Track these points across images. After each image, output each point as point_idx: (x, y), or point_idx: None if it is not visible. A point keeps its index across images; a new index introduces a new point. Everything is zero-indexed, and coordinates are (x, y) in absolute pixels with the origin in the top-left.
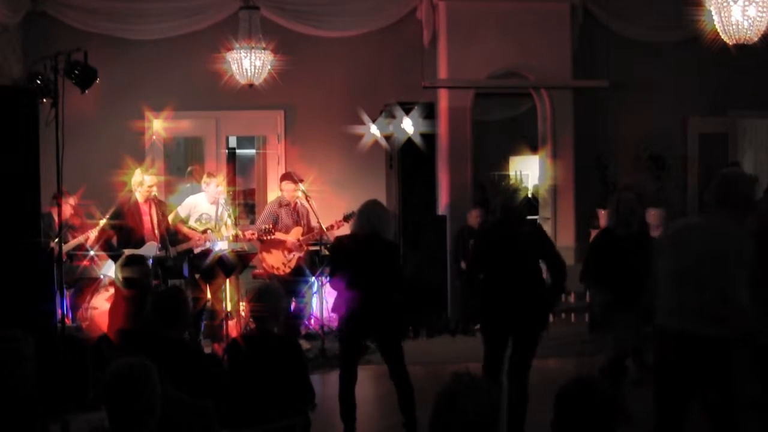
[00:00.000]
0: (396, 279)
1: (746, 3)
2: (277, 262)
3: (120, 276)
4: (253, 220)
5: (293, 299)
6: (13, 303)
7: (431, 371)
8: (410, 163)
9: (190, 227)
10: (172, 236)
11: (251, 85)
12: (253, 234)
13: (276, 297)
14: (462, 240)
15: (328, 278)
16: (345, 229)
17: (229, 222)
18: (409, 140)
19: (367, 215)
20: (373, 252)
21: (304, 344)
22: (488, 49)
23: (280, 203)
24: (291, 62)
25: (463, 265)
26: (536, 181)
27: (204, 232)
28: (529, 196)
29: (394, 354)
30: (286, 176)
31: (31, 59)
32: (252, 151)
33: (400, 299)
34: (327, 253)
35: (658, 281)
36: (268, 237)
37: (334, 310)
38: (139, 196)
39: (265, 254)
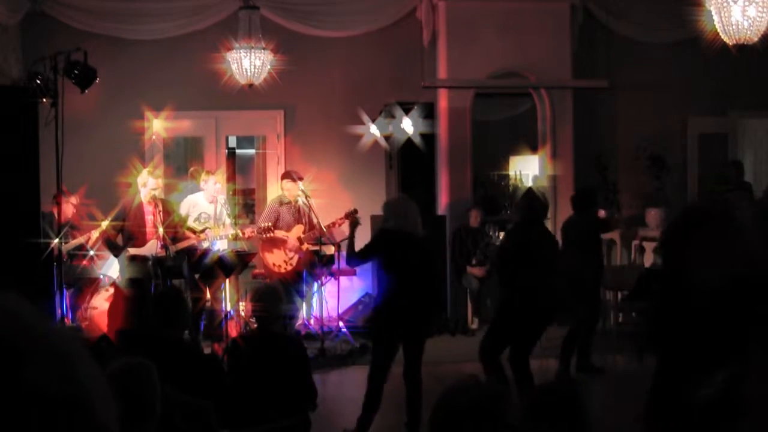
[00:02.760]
0: (434, 280)
1: (746, 3)
2: (278, 260)
3: (123, 276)
4: (252, 219)
5: (295, 300)
6: None
7: (431, 371)
8: (410, 163)
9: (189, 228)
10: (172, 237)
11: (251, 85)
12: (253, 232)
13: (277, 297)
14: (459, 240)
15: (357, 259)
16: (346, 227)
17: (228, 221)
18: (409, 140)
19: (405, 213)
20: (416, 252)
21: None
22: (488, 49)
23: (281, 201)
24: (291, 62)
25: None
26: (534, 180)
27: (203, 231)
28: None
29: (417, 353)
30: (286, 175)
31: (30, 59)
32: (252, 151)
33: (434, 299)
34: (329, 253)
35: None
36: (268, 235)
37: (375, 305)
38: (142, 196)
39: (266, 253)
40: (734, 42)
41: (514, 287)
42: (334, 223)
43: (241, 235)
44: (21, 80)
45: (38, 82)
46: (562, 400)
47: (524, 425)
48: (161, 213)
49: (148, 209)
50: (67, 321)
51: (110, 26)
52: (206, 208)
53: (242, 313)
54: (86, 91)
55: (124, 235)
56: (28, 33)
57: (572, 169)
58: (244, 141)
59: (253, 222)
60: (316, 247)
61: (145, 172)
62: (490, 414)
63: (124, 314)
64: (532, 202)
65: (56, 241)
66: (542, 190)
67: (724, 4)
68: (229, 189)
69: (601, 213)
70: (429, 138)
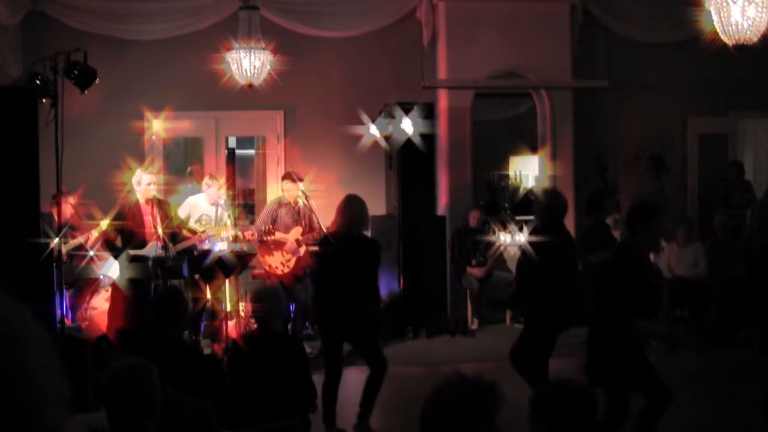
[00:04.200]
0: (369, 279)
1: (746, 3)
2: (275, 262)
3: (122, 276)
4: (252, 220)
5: (293, 301)
6: None
7: (431, 371)
8: (410, 163)
9: (189, 228)
10: (172, 236)
11: (251, 86)
12: (253, 235)
13: (276, 297)
14: (459, 240)
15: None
16: None
17: (228, 223)
18: (409, 140)
19: (354, 213)
20: (356, 251)
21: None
22: (488, 49)
23: (281, 203)
24: (291, 62)
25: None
26: (535, 181)
27: (203, 232)
28: (531, 197)
29: (365, 347)
30: (286, 176)
31: (30, 59)
32: (251, 152)
33: (373, 301)
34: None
35: None
36: (268, 237)
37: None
38: (139, 195)
39: (264, 255)
40: (734, 42)
41: (539, 293)
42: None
43: (241, 237)
44: (21, 80)
45: (38, 82)
46: (572, 399)
47: (530, 421)
48: (159, 214)
49: (146, 209)
50: (67, 321)
51: (110, 26)
52: (207, 210)
53: (242, 314)
54: (86, 91)
55: (124, 235)
56: (28, 33)
57: (572, 169)
58: (244, 141)
59: (252, 223)
60: (316, 248)
61: (138, 170)
62: (480, 409)
63: (124, 314)
64: (553, 203)
65: (56, 241)
66: (558, 190)
67: (724, 5)
68: (228, 194)
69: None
70: (429, 138)
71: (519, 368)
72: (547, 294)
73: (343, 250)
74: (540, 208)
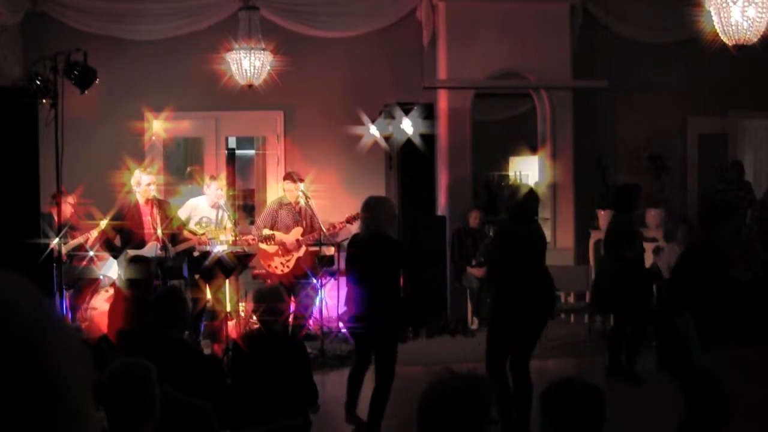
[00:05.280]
0: (394, 281)
1: (746, 4)
2: (275, 262)
3: (123, 276)
4: (252, 221)
5: (293, 300)
6: None
7: (431, 371)
8: (410, 164)
9: (189, 230)
10: (172, 238)
11: (251, 86)
12: (254, 239)
13: (278, 297)
14: (459, 240)
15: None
16: (348, 230)
17: (228, 225)
18: (409, 141)
19: (371, 214)
20: (380, 253)
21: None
22: (488, 49)
23: (281, 203)
24: (290, 62)
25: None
26: (536, 181)
27: (203, 234)
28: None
29: (385, 356)
30: (287, 176)
31: (30, 59)
32: (251, 152)
33: (399, 302)
34: (329, 254)
35: None
36: (269, 242)
37: (345, 305)
38: (138, 196)
39: (263, 254)
40: (734, 42)
41: (498, 288)
42: (334, 226)
43: (241, 240)
44: (21, 81)
45: (38, 82)
46: (576, 396)
47: (543, 418)
48: (159, 215)
49: (146, 210)
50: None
51: (110, 26)
52: (207, 212)
53: (242, 314)
54: (86, 91)
55: (123, 236)
56: (28, 33)
57: (572, 169)
58: (244, 142)
59: (252, 223)
60: (316, 249)
61: (137, 171)
62: (473, 403)
63: (124, 315)
64: (518, 197)
65: (56, 241)
66: (527, 185)
67: (724, 5)
68: (228, 193)
69: None
70: (429, 138)
71: (511, 376)
72: (503, 291)
73: (364, 251)
74: (504, 203)
